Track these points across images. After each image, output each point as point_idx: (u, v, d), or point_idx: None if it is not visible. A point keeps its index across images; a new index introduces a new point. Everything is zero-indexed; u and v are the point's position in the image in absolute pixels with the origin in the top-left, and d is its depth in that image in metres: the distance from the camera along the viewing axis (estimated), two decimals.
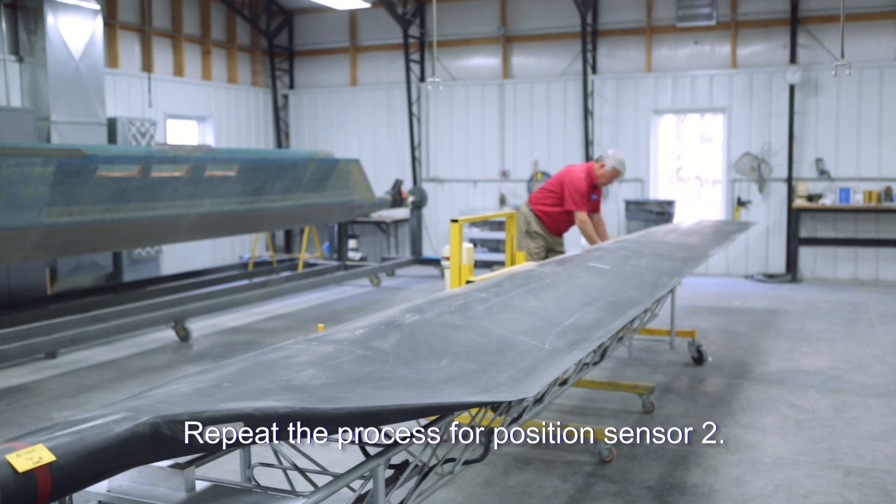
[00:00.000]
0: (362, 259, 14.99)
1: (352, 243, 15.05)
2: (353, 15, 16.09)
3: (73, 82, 10.98)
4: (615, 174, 7.87)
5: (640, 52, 14.38)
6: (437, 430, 3.42)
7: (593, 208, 8.05)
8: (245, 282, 12.12)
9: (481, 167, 15.45)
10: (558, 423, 5.49)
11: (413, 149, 15.57)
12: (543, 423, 5.47)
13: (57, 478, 1.99)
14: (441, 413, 2.91)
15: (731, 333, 9.19)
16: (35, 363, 8.05)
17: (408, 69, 15.40)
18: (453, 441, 3.75)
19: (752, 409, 6.31)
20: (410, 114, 15.50)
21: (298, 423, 2.44)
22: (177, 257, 13.74)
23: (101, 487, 2.58)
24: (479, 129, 15.40)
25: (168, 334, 9.34)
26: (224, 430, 2.33)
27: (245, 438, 2.37)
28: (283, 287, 11.43)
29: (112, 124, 11.65)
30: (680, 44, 14.17)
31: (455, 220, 5.42)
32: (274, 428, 2.41)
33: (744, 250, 13.93)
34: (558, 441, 5.46)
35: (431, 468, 3.51)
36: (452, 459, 3.73)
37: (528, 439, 5.52)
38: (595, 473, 5.01)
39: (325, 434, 2.67)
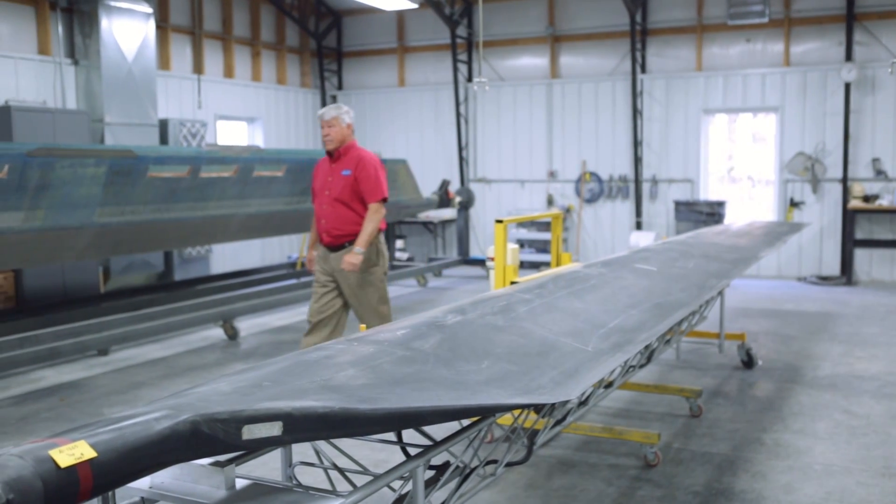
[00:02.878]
0: (409, 259, 15.02)
1: (399, 243, 15.09)
2: (400, 16, 16.14)
3: (126, 84, 11.18)
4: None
5: (691, 50, 14.18)
6: (479, 432, 3.40)
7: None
8: (293, 281, 12.22)
9: (529, 168, 15.38)
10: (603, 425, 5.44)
11: (460, 149, 15.56)
12: (588, 426, 5.42)
13: (98, 474, 2.01)
14: (480, 415, 2.89)
15: (782, 337, 9.02)
16: (87, 360, 8.20)
17: (455, 69, 15.39)
18: (494, 442, 3.73)
19: (803, 415, 6.18)
20: (458, 114, 15.49)
21: (336, 423, 2.44)
22: (226, 257, 13.91)
23: (143, 483, 2.61)
24: (527, 130, 15.34)
25: (216, 333, 9.46)
26: (262, 429, 2.34)
27: (283, 438, 2.38)
28: None
29: (163, 125, 11.85)
30: (731, 42, 13.95)
31: (499, 221, 5.39)
32: (312, 428, 2.41)
33: (797, 252, 13.66)
34: (602, 444, 5.41)
35: (473, 469, 3.49)
36: (494, 461, 3.71)
37: (572, 442, 5.48)
38: (640, 477, 4.94)
39: (364, 435, 2.67)
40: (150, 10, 11.46)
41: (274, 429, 2.36)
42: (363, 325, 5.79)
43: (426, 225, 15.97)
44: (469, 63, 15.66)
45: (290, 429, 2.37)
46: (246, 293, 10.65)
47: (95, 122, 10.88)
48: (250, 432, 2.31)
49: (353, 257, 6.07)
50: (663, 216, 14.32)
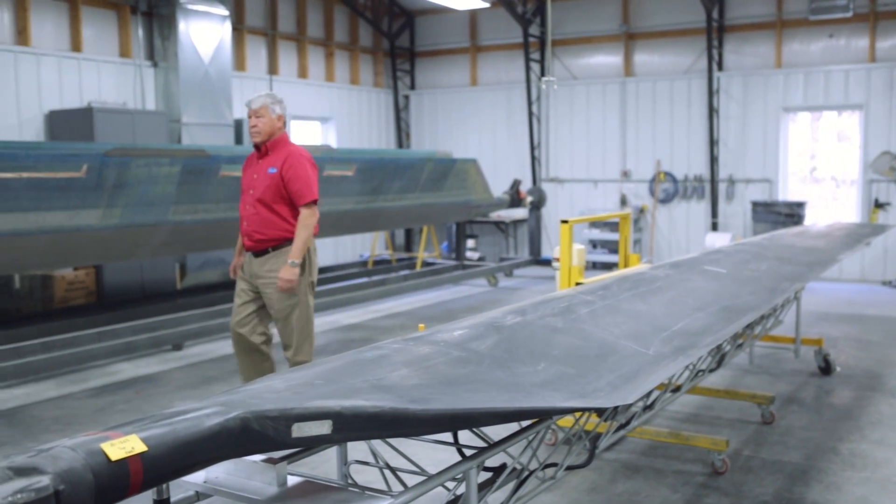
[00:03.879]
0: (480, 259, 15.00)
1: (470, 243, 15.09)
2: (473, 15, 16.13)
3: (203, 86, 11.43)
4: None
5: (770, 47, 13.81)
6: (536, 434, 3.36)
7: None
8: (364, 279, 12.33)
9: (602, 167, 15.20)
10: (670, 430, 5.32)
11: (532, 148, 15.47)
12: (654, 430, 5.32)
13: (148, 468, 2.04)
14: (533, 417, 2.85)
15: (863, 343, 8.70)
16: (162, 354, 8.40)
17: (528, 68, 15.30)
18: (557, 445, 3.67)
19: (882, 424, 5.94)
20: (530, 113, 15.40)
21: (386, 423, 2.43)
22: None
23: (198, 478, 2.65)
24: (600, 129, 15.16)
25: None
26: (312, 428, 2.34)
27: (333, 436, 2.38)
28: (400, 285, 11.56)
29: (239, 125, 12.07)
30: (813, 38, 13.53)
31: (565, 221, 5.33)
32: (362, 427, 2.41)
33: (881, 255, 13.17)
34: (669, 449, 5.30)
35: (531, 472, 3.45)
36: (554, 464, 3.65)
37: (637, 446, 5.38)
38: (707, 485, 4.82)
39: (415, 435, 2.66)
40: (226, 12, 11.70)
41: (323, 427, 2.36)
42: (422, 325, 5.74)
43: (498, 224, 15.92)
44: (542, 62, 15.56)
45: (339, 428, 2.36)
46: (317, 291, 10.77)
47: (173, 122, 11.16)
48: (300, 430, 2.32)
49: (287, 272, 5.33)
50: (740, 217, 13.98)
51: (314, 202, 5.41)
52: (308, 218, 5.37)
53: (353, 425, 2.38)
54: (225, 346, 8.85)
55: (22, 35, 10.15)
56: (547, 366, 3.02)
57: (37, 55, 10.20)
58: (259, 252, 5.49)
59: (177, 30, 11.14)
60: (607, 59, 15.15)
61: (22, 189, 6.52)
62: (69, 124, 9.98)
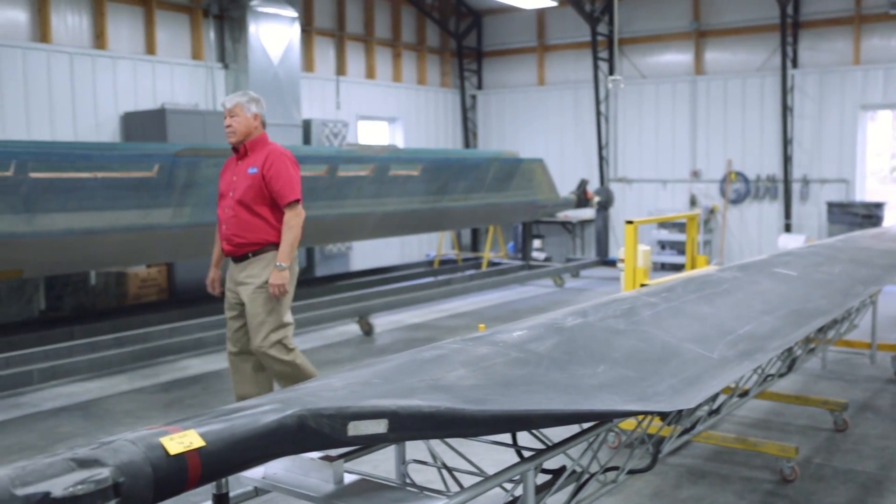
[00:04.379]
0: (546, 259, 14.91)
1: (536, 243, 15.01)
2: (540, 14, 16.04)
3: (272, 86, 11.61)
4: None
5: (847, 43, 13.41)
6: (596, 437, 3.32)
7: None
8: (430, 279, 12.36)
9: (671, 167, 14.97)
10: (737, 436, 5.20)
11: (600, 148, 15.32)
12: (720, 436, 5.21)
13: (206, 462, 2.07)
14: (590, 420, 2.81)
15: None
16: None
17: (596, 67, 15.15)
18: (620, 448, 3.62)
19: None
20: (598, 113, 15.25)
21: (442, 423, 2.43)
22: (366, 254, 14.22)
23: (257, 473, 2.68)
24: (670, 128, 14.93)
25: (353, 328, 9.67)
26: (368, 426, 2.35)
27: (388, 435, 2.38)
28: (466, 285, 11.56)
29: (307, 126, 12.23)
30: (893, 33, 13.09)
31: (630, 222, 5.25)
32: (417, 427, 2.41)
33: None
34: (736, 455, 5.18)
35: (592, 475, 3.40)
36: (616, 468, 3.60)
37: (703, 451, 5.27)
38: (775, 493, 4.69)
39: (471, 436, 2.65)
40: (295, 14, 11.86)
41: (379, 426, 2.36)
42: (482, 326, 5.70)
43: (564, 225, 15.81)
44: (610, 61, 15.38)
45: (395, 427, 2.37)
46: (383, 290, 10.85)
47: None
48: (356, 429, 2.33)
49: (276, 277, 5.10)
50: (814, 218, 13.61)
51: (298, 202, 5.18)
52: (293, 219, 5.14)
53: (409, 425, 2.38)
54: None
55: (99, 39, 10.45)
56: (607, 368, 2.98)
57: (113, 58, 10.50)
58: (239, 257, 5.26)
59: (247, 32, 11.35)
60: (677, 58, 14.90)
61: (97, 188, 6.71)
62: (143, 125, 10.24)
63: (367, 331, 9.40)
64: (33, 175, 6.26)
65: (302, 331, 9.45)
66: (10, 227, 6.26)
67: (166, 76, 11.09)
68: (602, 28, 15.06)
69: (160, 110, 10.22)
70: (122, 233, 6.96)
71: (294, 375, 5.27)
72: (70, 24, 10.22)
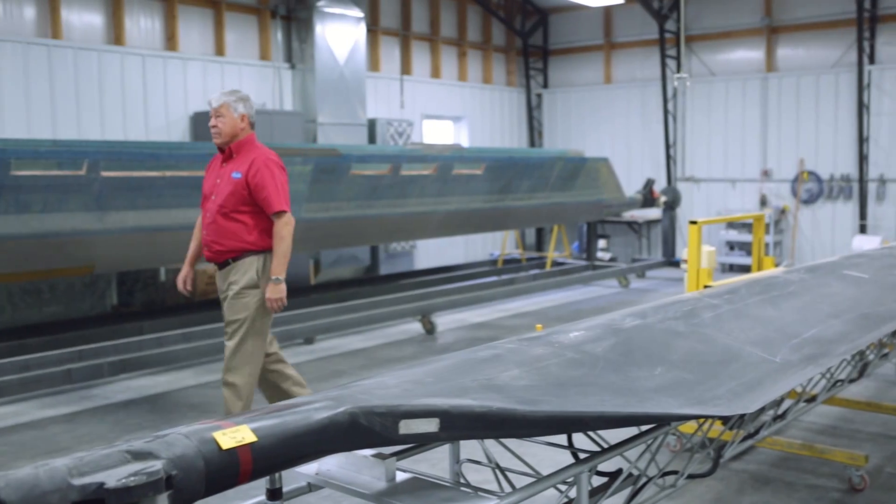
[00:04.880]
0: (612, 259, 14.76)
1: (602, 243, 14.86)
2: (607, 11, 15.87)
3: (338, 86, 11.73)
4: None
5: None
6: (654, 440, 3.26)
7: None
8: (493, 278, 12.35)
9: (741, 166, 14.66)
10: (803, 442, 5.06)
11: (668, 147, 15.08)
12: (786, 441, 5.08)
13: (258, 458, 2.09)
14: (645, 423, 2.76)
15: None
16: (294, 348, 8.67)
17: (663, 65, 14.92)
18: (682, 451, 3.56)
19: None
20: (666, 111, 15.01)
21: (494, 423, 2.41)
22: (430, 253, 14.26)
23: (310, 469, 2.70)
24: (739, 126, 14.62)
25: (415, 326, 9.70)
26: (419, 425, 2.35)
27: (440, 434, 2.38)
28: (529, 285, 11.52)
29: (372, 125, 12.33)
30: None
31: (693, 222, 5.16)
32: (469, 426, 2.40)
33: None
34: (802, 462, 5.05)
35: (650, 479, 3.35)
36: (675, 472, 3.54)
37: (768, 457, 5.14)
38: (843, 502, 4.56)
39: (522, 436, 2.63)
40: (361, 14, 11.96)
41: (430, 425, 2.36)
42: (539, 326, 5.62)
43: (631, 225, 15.62)
44: (678, 58, 15.11)
45: (446, 426, 2.36)
46: (446, 289, 10.87)
47: (309, 122, 11.50)
48: (407, 427, 2.33)
49: (273, 290, 4.84)
50: (892, 219, 13.18)
51: (285, 210, 4.89)
52: (283, 228, 4.85)
53: (460, 424, 2.38)
54: (355, 341, 9.06)
55: (171, 41, 10.70)
56: (664, 370, 2.93)
57: (183, 60, 10.73)
58: (220, 264, 5.02)
59: (314, 32, 11.48)
60: (748, 54, 14.58)
61: (165, 187, 6.86)
62: None
63: (430, 329, 9.43)
64: (105, 174, 6.43)
65: (365, 329, 9.54)
66: (82, 224, 6.45)
67: (234, 77, 11.29)
68: (670, 25, 14.82)
69: None
70: (189, 230, 7.09)
71: (235, 395, 4.98)
72: (143, 26, 10.48)
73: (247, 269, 4.90)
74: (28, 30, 9.46)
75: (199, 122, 10.66)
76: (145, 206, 6.74)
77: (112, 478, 1.78)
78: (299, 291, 10.43)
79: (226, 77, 11.16)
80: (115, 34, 10.18)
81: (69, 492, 1.76)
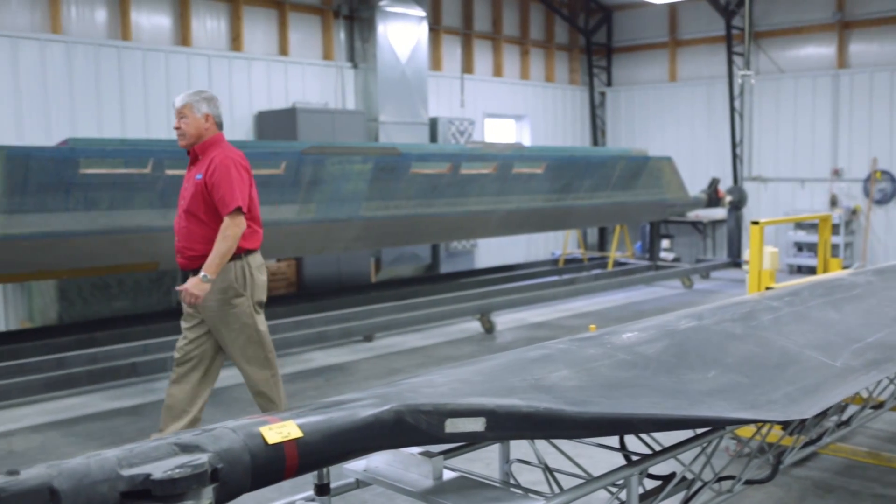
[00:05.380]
0: (675, 260, 14.53)
1: (665, 243, 14.65)
2: (672, 8, 15.63)
3: (400, 85, 11.79)
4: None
5: None
6: (708, 443, 3.20)
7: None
8: (554, 278, 12.27)
9: (810, 165, 14.29)
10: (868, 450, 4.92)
11: (734, 146, 14.79)
12: (850, 448, 4.94)
13: (303, 453, 2.12)
14: (695, 427, 2.71)
15: None
16: (353, 345, 8.74)
17: (730, 62, 14.64)
18: (740, 456, 3.48)
19: None
20: (732, 109, 14.72)
21: (541, 424, 2.40)
22: (491, 251, 14.23)
23: (359, 466, 2.73)
24: (809, 124, 14.25)
25: (474, 325, 9.69)
26: (465, 424, 2.35)
27: (486, 434, 2.37)
28: (590, 285, 11.42)
29: (433, 124, 12.36)
30: None
31: (755, 222, 5.05)
32: (515, 426, 2.39)
33: None
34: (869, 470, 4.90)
35: (705, 484, 3.29)
36: (732, 477, 3.48)
37: (832, 464, 5.00)
38: None
39: (569, 437, 2.60)
40: (423, 13, 12.00)
41: (477, 424, 2.36)
42: (592, 326, 5.53)
43: (695, 225, 15.36)
44: (746, 55, 14.80)
45: (493, 426, 2.36)
46: (506, 288, 10.84)
47: (371, 121, 11.58)
48: (453, 426, 2.33)
49: (194, 285, 4.51)
50: None
51: (238, 210, 4.57)
52: (228, 228, 4.53)
53: (507, 424, 2.37)
54: (414, 340, 9.09)
55: (236, 42, 10.88)
56: (718, 374, 2.87)
57: (248, 60, 10.90)
58: (195, 270, 4.69)
59: (376, 32, 11.56)
60: (818, 51, 14.21)
61: None
62: (275, 124, 10.60)
63: (489, 328, 9.41)
64: (169, 172, 6.57)
65: (424, 327, 9.57)
66: (147, 221, 6.60)
67: (298, 76, 11.43)
68: (737, 21, 14.53)
69: (291, 109, 10.54)
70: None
71: (267, 401, 4.91)
72: (209, 27, 10.68)
73: (223, 275, 4.64)
74: (99, 32, 9.72)
75: (263, 121, 10.83)
76: None
77: (159, 469, 1.82)
78: (359, 289, 10.53)
79: (289, 77, 11.32)
80: (182, 35, 10.39)
81: (118, 482, 1.80)
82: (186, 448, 1.96)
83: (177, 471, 1.81)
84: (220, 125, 4.80)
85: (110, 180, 6.34)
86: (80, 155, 6.15)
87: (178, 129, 4.72)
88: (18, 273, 6.65)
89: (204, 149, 4.71)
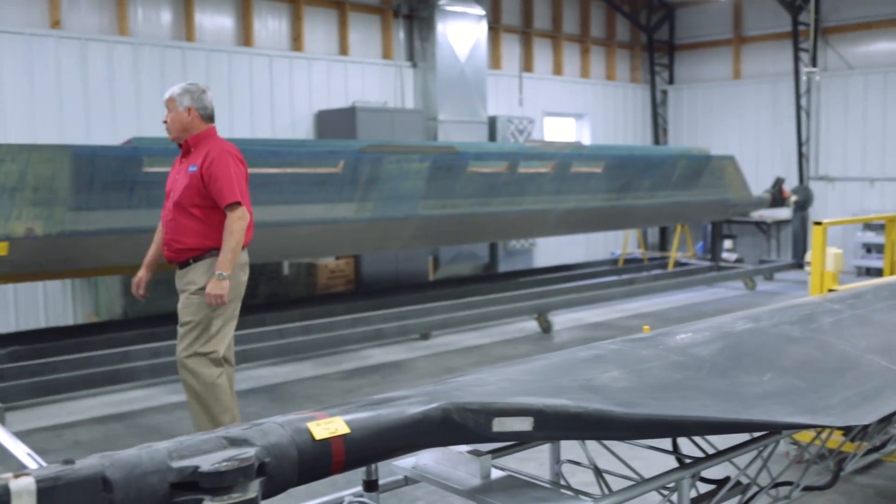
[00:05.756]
0: (738, 260, 14.26)
1: (727, 243, 14.39)
2: (736, 4, 15.35)
3: (459, 84, 11.80)
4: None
5: None
6: (764, 448, 3.14)
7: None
8: (613, 278, 12.16)
9: (880, 164, 13.90)
10: None
11: (800, 145, 14.46)
12: None
13: (350, 449, 2.13)
14: (747, 431, 2.66)
15: None
16: (410, 343, 8.78)
17: (796, 59, 14.31)
18: (800, 462, 3.41)
19: None
20: (798, 107, 14.40)
21: (589, 424, 2.38)
22: (550, 251, 14.16)
23: (407, 463, 2.74)
24: (880, 122, 13.85)
25: (531, 325, 9.66)
26: (513, 423, 2.34)
27: (534, 433, 2.36)
28: (649, 285, 11.29)
29: (492, 123, 12.35)
30: None
31: (818, 223, 4.93)
32: (563, 426, 2.37)
33: None
34: None
35: (761, 489, 3.23)
36: (790, 482, 3.40)
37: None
38: None
39: (618, 439, 2.57)
40: (482, 12, 11.99)
41: (524, 424, 2.35)
42: (646, 327, 5.40)
43: (759, 225, 15.06)
44: (813, 52, 14.48)
45: (541, 425, 2.35)
46: (563, 288, 10.78)
47: (430, 120, 11.62)
48: (500, 425, 2.33)
49: (215, 286, 4.52)
50: None
51: (238, 203, 4.61)
52: (234, 222, 4.58)
53: (555, 424, 2.36)
54: (470, 338, 9.09)
55: (296, 42, 11.01)
56: (774, 377, 2.81)
57: (308, 59, 11.03)
58: (181, 263, 4.75)
59: (435, 31, 11.59)
60: (890, 46, 13.80)
61: (287, 183, 7.07)
62: (335, 123, 10.70)
63: (546, 328, 9.37)
64: None
65: (481, 326, 9.57)
66: None
67: (358, 75, 11.53)
68: (804, 17, 14.19)
69: (351, 108, 10.64)
70: (309, 226, 7.30)
71: (207, 397, 4.68)
72: (270, 28, 10.84)
73: (208, 268, 4.65)
74: (164, 33, 9.93)
75: (324, 121, 10.94)
76: (268, 201, 6.96)
77: (207, 462, 1.85)
78: (417, 287, 10.57)
79: (349, 76, 11.41)
80: (245, 36, 10.56)
81: (167, 473, 1.84)
82: (235, 442, 2.00)
83: (224, 464, 1.84)
84: (208, 118, 4.79)
85: None
86: (144, 154, 6.30)
87: (165, 122, 4.78)
88: (85, 268, 6.83)
89: (196, 141, 4.74)
